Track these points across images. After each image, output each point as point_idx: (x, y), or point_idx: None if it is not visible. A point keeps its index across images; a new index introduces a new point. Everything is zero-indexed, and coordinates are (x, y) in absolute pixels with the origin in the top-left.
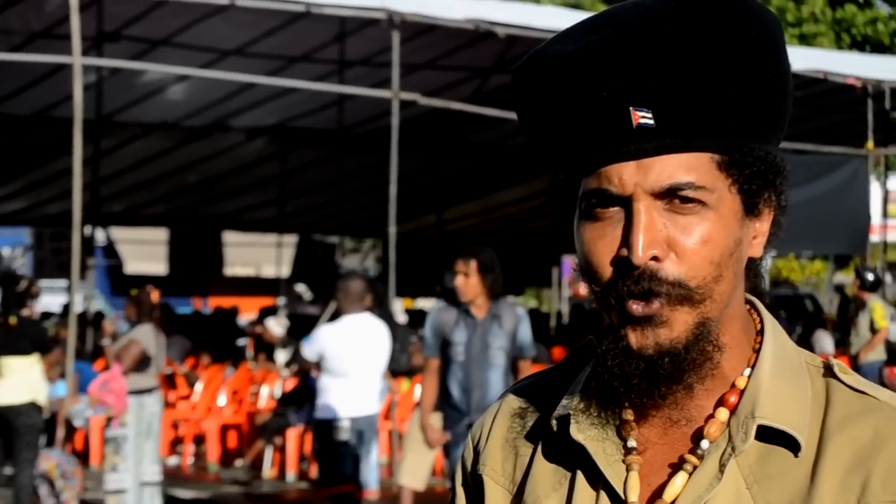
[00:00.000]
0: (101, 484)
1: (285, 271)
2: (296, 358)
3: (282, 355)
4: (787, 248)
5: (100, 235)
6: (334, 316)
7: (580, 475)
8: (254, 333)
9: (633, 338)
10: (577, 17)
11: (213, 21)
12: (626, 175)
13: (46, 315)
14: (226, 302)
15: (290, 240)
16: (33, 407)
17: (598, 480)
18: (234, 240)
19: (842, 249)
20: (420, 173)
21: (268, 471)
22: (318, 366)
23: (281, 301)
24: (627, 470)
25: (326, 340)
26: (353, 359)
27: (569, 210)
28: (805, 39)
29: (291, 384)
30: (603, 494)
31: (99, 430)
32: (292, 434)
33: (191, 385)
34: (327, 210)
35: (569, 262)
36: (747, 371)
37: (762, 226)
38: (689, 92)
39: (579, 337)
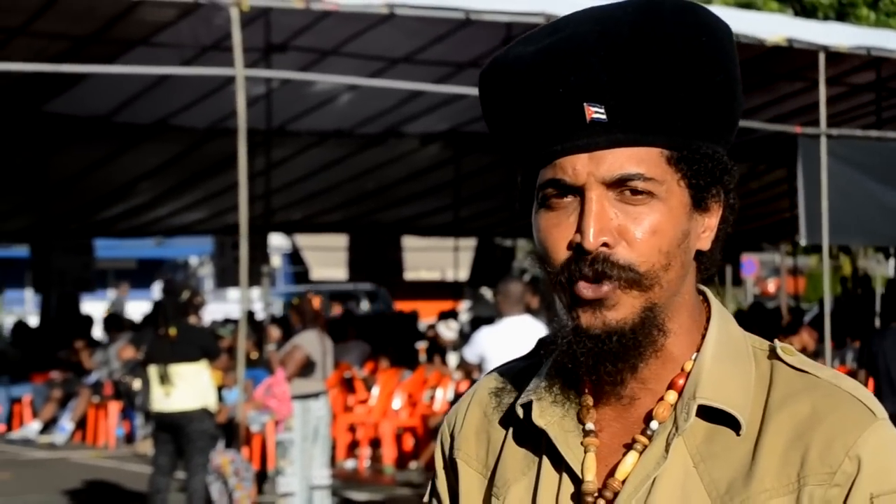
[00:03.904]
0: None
1: (463, 275)
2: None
3: (453, 358)
4: None
5: (284, 243)
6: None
7: (545, 459)
8: (428, 337)
9: (584, 318)
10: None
11: (381, 29)
12: (580, 166)
13: (227, 321)
14: (408, 306)
15: (468, 244)
16: (205, 413)
17: (560, 463)
18: (413, 245)
19: None
20: None
21: None
22: (479, 368)
23: (465, 304)
24: (585, 451)
25: (486, 343)
26: None
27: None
28: None
29: (464, 387)
30: (565, 476)
31: (272, 435)
32: None
33: (368, 389)
34: (501, 213)
35: (750, 259)
36: (695, 355)
37: (711, 220)
38: (640, 91)
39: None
